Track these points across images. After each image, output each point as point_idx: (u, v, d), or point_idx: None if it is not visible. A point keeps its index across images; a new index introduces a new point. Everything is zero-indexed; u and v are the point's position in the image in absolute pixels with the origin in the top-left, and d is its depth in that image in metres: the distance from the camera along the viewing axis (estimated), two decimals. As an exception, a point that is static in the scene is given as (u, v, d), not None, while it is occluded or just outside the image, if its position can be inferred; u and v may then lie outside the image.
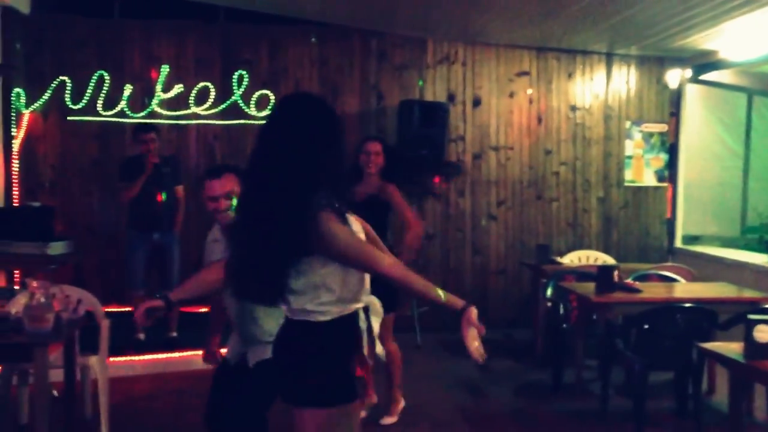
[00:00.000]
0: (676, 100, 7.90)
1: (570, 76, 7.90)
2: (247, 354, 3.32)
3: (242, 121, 7.29)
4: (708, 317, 4.55)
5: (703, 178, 7.88)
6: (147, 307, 3.00)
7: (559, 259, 7.03)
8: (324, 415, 2.36)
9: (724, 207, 7.90)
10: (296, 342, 2.42)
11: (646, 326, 4.64)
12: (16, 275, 6.41)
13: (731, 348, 3.54)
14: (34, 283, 3.69)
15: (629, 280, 5.56)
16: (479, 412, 5.21)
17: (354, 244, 2.34)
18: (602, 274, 5.16)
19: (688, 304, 4.69)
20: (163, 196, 6.17)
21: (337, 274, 2.35)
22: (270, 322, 3.17)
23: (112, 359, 4.98)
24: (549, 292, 5.95)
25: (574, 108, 7.91)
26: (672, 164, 7.91)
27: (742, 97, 7.88)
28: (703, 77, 7.60)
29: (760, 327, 3.33)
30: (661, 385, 5.37)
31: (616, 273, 5.21)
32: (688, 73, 7.67)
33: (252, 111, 7.30)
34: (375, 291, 2.73)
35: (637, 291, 5.14)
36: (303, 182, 2.28)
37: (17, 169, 6.79)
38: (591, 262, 7.29)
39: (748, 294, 5.28)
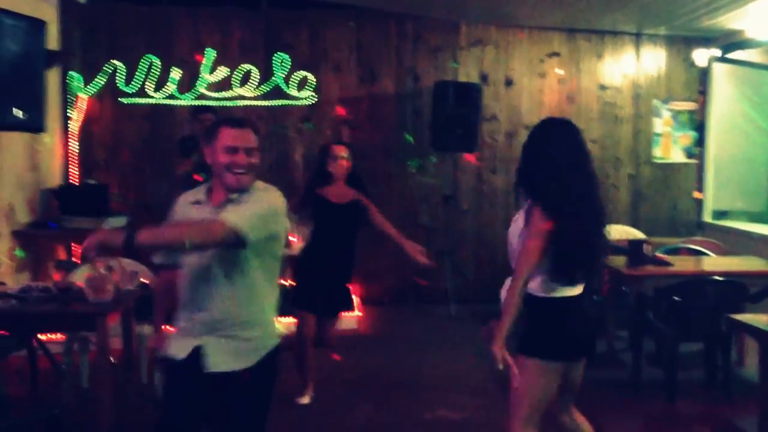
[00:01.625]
0: (704, 78, 7.71)
1: (599, 56, 7.74)
2: (204, 348, 2.60)
3: (283, 102, 7.29)
4: (738, 290, 4.46)
5: (731, 155, 7.69)
6: (102, 241, 2.35)
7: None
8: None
9: (752, 183, 7.70)
10: None
11: (677, 298, 4.57)
12: (74, 249, 6.52)
13: (761, 319, 3.48)
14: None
15: (659, 254, 5.46)
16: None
17: None
18: (633, 248, 5.09)
19: (718, 277, 4.61)
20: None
21: None
22: (252, 309, 2.66)
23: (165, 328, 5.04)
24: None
25: (603, 87, 7.76)
26: (700, 141, 7.75)
27: (770, 75, 7.66)
28: (730, 56, 7.40)
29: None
30: (691, 356, 5.28)
31: (646, 246, 5.14)
32: (716, 52, 7.47)
33: (293, 92, 7.29)
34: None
35: (668, 264, 5.06)
36: None
37: (75, 149, 6.90)
38: (621, 236, 7.17)
39: (778, 267, 5.17)
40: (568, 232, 2.73)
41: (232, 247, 2.52)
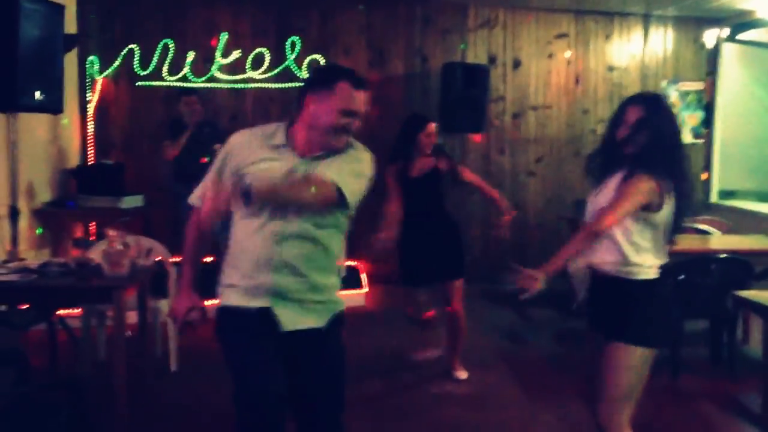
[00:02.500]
0: (712, 59, 7.64)
1: (607, 37, 7.69)
2: (274, 309, 2.41)
3: (295, 84, 7.29)
4: (743, 268, 4.44)
5: (739, 135, 7.65)
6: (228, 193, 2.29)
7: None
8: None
9: (759, 162, 7.66)
10: None
11: (682, 276, 4.57)
12: (91, 227, 6.59)
13: (765, 296, 3.47)
14: (112, 232, 3.80)
15: None
16: (519, 357, 5.22)
17: None
18: (638, 226, 5.06)
19: (723, 255, 4.60)
20: (206, 158, 6.35)
21: None
22: (327, 274, 2.50)
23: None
24: (586, 243, 5.86)
25: (611, 68, 7.72)
26: (708, 122, 7.69)
27: (778, 55, 7.59)
28: (739, 37, 7.33)
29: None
30: (696, 333, 5.28)
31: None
32: (725, 32, 7.40)
33: (304, 75, 7.29)
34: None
35: (672, 242, 5.02)
36: None
37: (92, 131, 6.95)
38: (627, 215, 7.15)
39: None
40: (681, 199, 2.70)
41: (332, 209, 2.39)
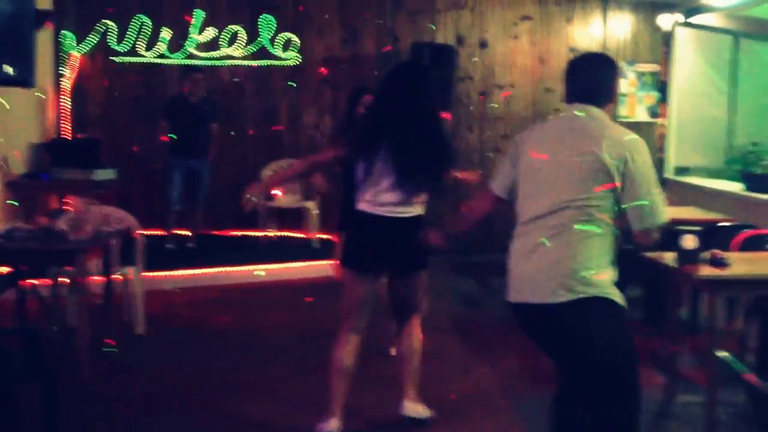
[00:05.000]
0: (667, 42, 7.77)
1: (569, 20, 7.80)
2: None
3: (269, 62, 7.37)
4: (668, 234, 4.57)
5: (692, 114, 7.80)
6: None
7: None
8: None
9: (711, 140, 7.83)
10: None
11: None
12: (66, 200, 6.69)
13: (667, 256, 3.65)
14: (75, 200, 3.92)
15: None
16: (470, 321, 5.42)
17: None
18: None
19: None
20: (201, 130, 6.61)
21: None
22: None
23: (149, 274, 5.22)
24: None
25: (573, 50, 7.81)
26: (663, 101, 7.85)
27: (729, 39, 7.72)
28: (692, 21, 7.46)
29: (686, 236, 3.44)
30: (636, 298, 5.48)
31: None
32: (680, 17, 7.52)
33: (278, 52, 7.36)
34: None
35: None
36: None
37: (67, 106, 7.01)
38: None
39: (711, 216, 5.33)
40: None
41: None
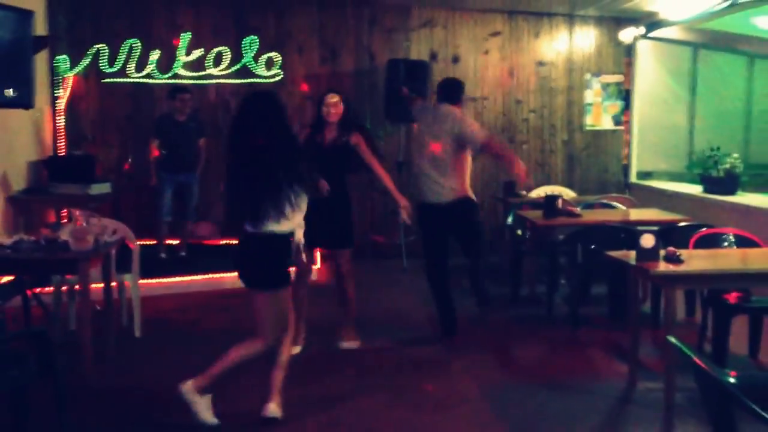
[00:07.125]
0: (630, 54, 8.12)
1: (537, 35, 8.12)
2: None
3: (252, 80, 7.59)
4: (629, 234, 4.83)
5: (655, 122, 8.15)
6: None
7: (525, 193, 7.27)
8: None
9: (672, 146, 8.18)
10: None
11: (581, 244, 5.00)
12: (63, 214, 6.87)
13: (630, 255, 3.90)
14: (78, 212, 4.13)
15: (572, 207, 5.74)
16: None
17: None
18: (548, 202, 5.49)
19: (614, 225, 5.03)
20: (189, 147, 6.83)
21: None
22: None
23: (143, 281, 5.43)
24: (510, 219, 6.31)
25: (541, 63, 8.14)
26: (627, 110, 8.19)
27: (688, 50, 8.09)
28: (653, 34, 7.80)
29: (645, 236, 3.71)
30: (602, 296, 5.74)
31: (559, 201, 5.53)
32: (641, 30, 7.86)
33: (260, 71, 7.60)
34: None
35: (577, 216, 5.46)
36: None
37: (62, 124, 7.21)
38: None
39: (671, 216, 5.61)
40: None
41: None
